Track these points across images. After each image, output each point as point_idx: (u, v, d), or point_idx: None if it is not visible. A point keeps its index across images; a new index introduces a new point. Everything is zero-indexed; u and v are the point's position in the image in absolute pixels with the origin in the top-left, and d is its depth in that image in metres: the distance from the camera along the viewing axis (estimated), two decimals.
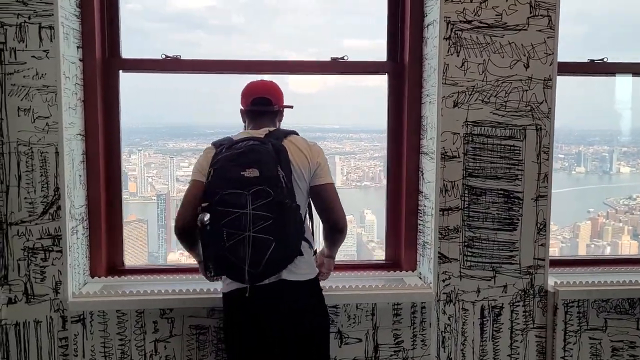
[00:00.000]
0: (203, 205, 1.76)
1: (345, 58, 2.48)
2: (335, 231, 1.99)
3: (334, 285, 2.23)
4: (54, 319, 2.19)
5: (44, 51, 2.12)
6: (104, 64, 2.38)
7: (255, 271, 1.73)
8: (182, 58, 2.44)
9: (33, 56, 2.12)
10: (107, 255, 2.43)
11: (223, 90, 3.06)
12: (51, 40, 2.11)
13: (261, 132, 1.93)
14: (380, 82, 2.59)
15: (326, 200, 1.94)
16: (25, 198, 2.15)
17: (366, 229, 3.75)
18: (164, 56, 2.43)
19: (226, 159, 1.79)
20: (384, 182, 2.59)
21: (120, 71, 2.42)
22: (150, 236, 3.99)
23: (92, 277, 2.37)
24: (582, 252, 3.89)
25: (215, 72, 2.56)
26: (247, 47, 2.80)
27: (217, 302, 2.13)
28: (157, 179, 4.32)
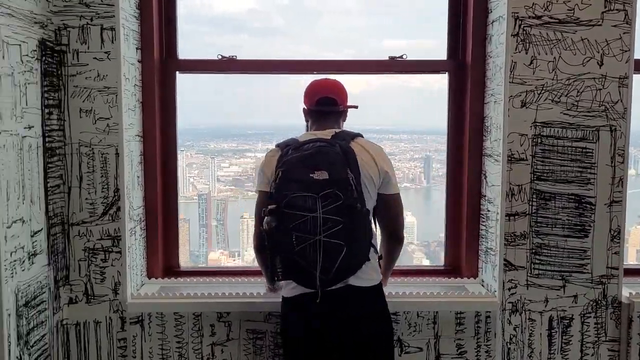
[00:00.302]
0: (270, 207, 1.72)
1: (404, 57, 2.40)
2: (395, 241, 1.98)
3: (393, 292, 2.16)
4: (113, 319, 2.19)
5: (105, 53, 2.12)
6: (161, 65, 2.38)
7: (326, 277, 1.68)
8: (237, 58, 2.42)
9: (95, 58, 2.13)
10: (163, 257, 2.42)
11: (264, 91, 3.05)
12: (112, 42, 2.12)
13: (327, 134, 1.88)
14: (422, 83, 2.54)
15: (392, 211, 1.93)
16: (86, 199, 2.16)
17: (406, 231, 3.69)
18: (220, 56, 2.41)
19: (294, 160, 1.75)
20: (425, 183, 2.51)
21: (177, 72, 2.42)
22: (192, 235, 4.02)
23: (149, 278, 2.37)
24: (631, 259, 3.72)
25: (272, 73, 2.53)
26: (288, 48, 2.79)
27: (274, 306, 2.10)
28: (199, 179, 4.35)
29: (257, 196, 1.92)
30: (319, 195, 1.69)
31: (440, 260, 2.54)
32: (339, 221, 1.68)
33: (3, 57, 1.78)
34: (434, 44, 2.54)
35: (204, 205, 4.37)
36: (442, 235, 2.51)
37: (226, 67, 2.43)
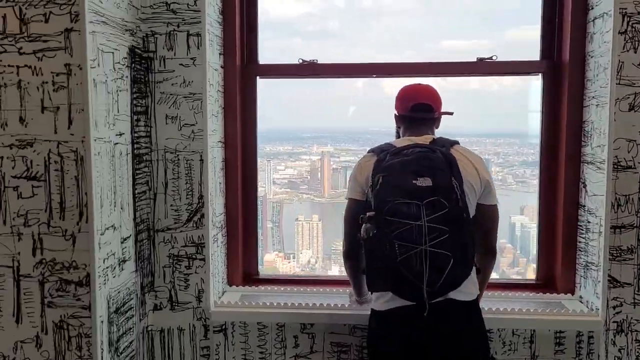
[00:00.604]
0: (369, 214, 1.65)
1: (494, 58, 2.27)
2: (490, 254, 1.88)
3: (485, 307, 2.04)
4: (196, 327, 2.18)
5: (191, 59, 2.11)
6: (242, 70, 2.35)
7: (432, 289, 1.59)
8: (318, 62, 2.37)
9: (181, 64, 2.12)
10: (243, 264, 2.40)
11: (322, 94, 3.01)
12: (198, 48, 2.10)
13: (424, 139, 1.79)
14: (486, 86, 2.43)
15: (489, 222, 1.84)
16: (171, 205, 2.16)
17: None
18: (300, 61, 2.36)
19: (396, 166, 1.67)
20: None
21: (257, 77, 2.39)
22: None
23: (230, 285, 2.35)
24: None
25: (354, 76, 2.48)
26: (344, 51, 2.74)
27: (360, 319, 2.03)
28: None
29: (347, 203, 1.87)
30: (423, 202, 1.60)
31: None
32: (445, 230, 1.59)
33: (99, 64, 1.79)
34: (493, 44, 2.45)
35: (260, 207, 4.39)
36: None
37: (307, 71, 2.38)
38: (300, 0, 3.06)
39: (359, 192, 1.81)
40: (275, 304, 2.13)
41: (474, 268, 1.76)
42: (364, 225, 1.68)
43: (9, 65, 1.74)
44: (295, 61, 2.35)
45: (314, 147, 4.83)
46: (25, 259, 1.77)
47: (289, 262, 4.12)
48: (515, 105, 2.85)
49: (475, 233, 1.83)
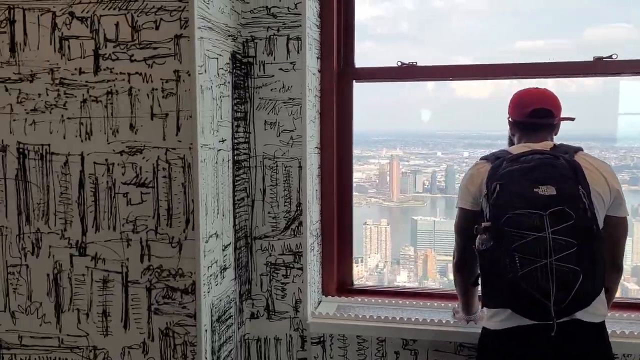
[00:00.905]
0: (484, 225, 1.54)
1: (614, 57, 2.08)
2: (616, 270, 1.71)
3: (609, 330, 1.84)
4: (293, 337, 2.13)
5: (291, 63, 2.07)
6: (339, 74, 2.29)
7: (559, 307, 1.46)
8: (417, 65, 2.26)
9: (280, 69, 2.08)
10: (337, 274, 2.33)
11: (391, 97, 2.94)
12: (298, 52, 2.06)
13: (543, 146, 1.66)
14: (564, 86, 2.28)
15: (619, 235, 1.67)
16: (268, 212, 2.12)
17: None
18: (399, 63, 2.26)
19: (514, 173, 1.55)
20: None
21: (354, 81, 2.32)
22: None
23: (325, 295, 2.28)
24: None
25: (456, 79, 2.34)
26: (415, 54, 2.64)
27: (466, 337, 1.91)
28: None
29: (457, 212, 1.77)
30: (546, 212, 1.47)
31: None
32: (572, 243, 1.45)
33: (205, 70, 1.77)
34: (570, 44, 2.27)
35: None
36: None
37: (406, 74, 2.28)
38: (371, 4, 3.01)
39: (470, 202, 1.71)
40: (375, 317, 2.04)
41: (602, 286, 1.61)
42: (479, 236, 1.58)
43: (120, 73, 1.76)
44: (370, 64, 2.27)
45: (383, 151, 4.75)
46: (134, 265, 1.79)
47: (357, 267, 4.04)
48: (598, 107, 2.67)
49: (606, 248, 1.68)
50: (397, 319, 2.03)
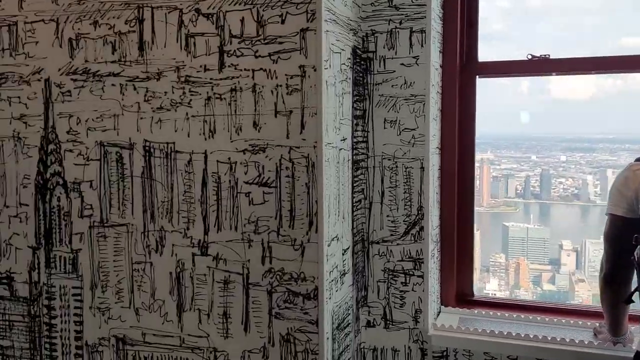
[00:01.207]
0: None
1: None
2: None
3: None
4: (412, 350, 2.00)
5: (414, 57, 1.95)
6: (462, 69, 2.13)
7: None
8: (551, 57, 2.06)
9: (402, 64, 1.97)
10: (457, 283, 2.17)
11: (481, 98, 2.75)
12: (422, 46, 1.93)
13: None
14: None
15: None
16: (387, 216, 2.01)
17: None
18: (530, 56, 2.08)
19: None
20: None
21: (477, 77, 2.16)
22: None
23: (444, 306, 2.13)
24: None
25: (595, 72, 2.12)
26: (507, 54, 2.42)
27: None
28: None
29: (609, 219, 1.60)
30: None
31: None
32: None
33: (330, 65, 1.69)
34: None
35: None
36: None
37: (536, 67, 2.09)
38: None
39: (624, 208, 1.54)
40: (505, 333, 1.86)
41: None
42: (638, 247, 1.41)
43: (245, 69, 1.71)
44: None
45: (478, 155, 4.51)
46: (255, 267, 1.73)
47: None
48: None
49: None
50: (531, 336, 1.84)
